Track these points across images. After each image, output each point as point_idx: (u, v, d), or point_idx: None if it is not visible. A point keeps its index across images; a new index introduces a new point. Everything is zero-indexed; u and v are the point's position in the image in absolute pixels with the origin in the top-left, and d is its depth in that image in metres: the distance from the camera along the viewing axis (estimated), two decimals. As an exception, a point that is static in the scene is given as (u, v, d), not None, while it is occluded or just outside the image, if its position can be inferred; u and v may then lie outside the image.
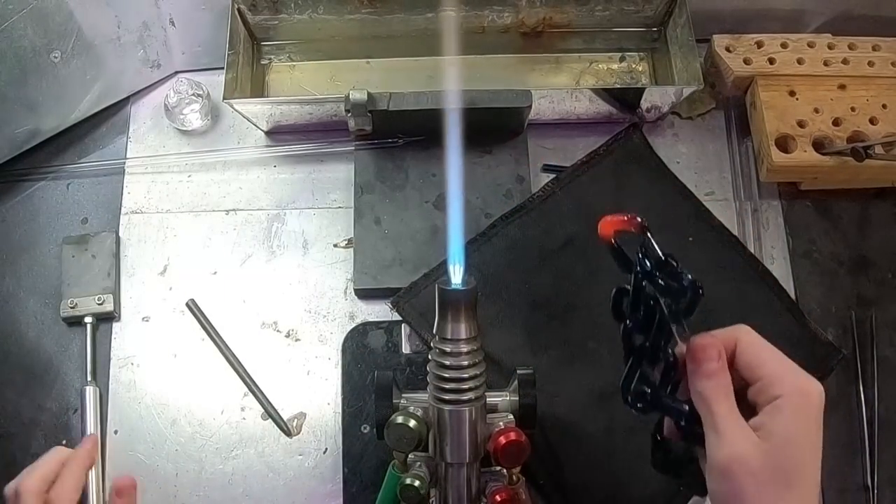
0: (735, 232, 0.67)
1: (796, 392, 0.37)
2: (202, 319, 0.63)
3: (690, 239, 0.65)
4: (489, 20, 0.71)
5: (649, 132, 0.71)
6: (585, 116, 0.69)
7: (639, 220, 0.37)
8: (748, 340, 0.37)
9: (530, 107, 0.63)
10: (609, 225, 0.38)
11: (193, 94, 0.68)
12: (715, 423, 0.35)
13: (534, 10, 0.70)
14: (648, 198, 0.67)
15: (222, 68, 0.64)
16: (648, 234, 0.37)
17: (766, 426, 0.35)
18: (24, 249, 0.67)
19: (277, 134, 0.70)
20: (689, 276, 0.35)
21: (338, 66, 0.73)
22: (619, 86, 0.71)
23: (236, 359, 0.62)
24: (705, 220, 0.66)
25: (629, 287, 0.38)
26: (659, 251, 0.36)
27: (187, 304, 0.64)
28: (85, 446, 0.54)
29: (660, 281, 0.36)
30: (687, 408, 0.36)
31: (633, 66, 0.74)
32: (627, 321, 0.38)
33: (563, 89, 0.67)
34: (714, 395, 0.35)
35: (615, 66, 0.74)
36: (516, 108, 0.63)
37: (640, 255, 0.36)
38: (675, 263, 0.36)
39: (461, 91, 0.62)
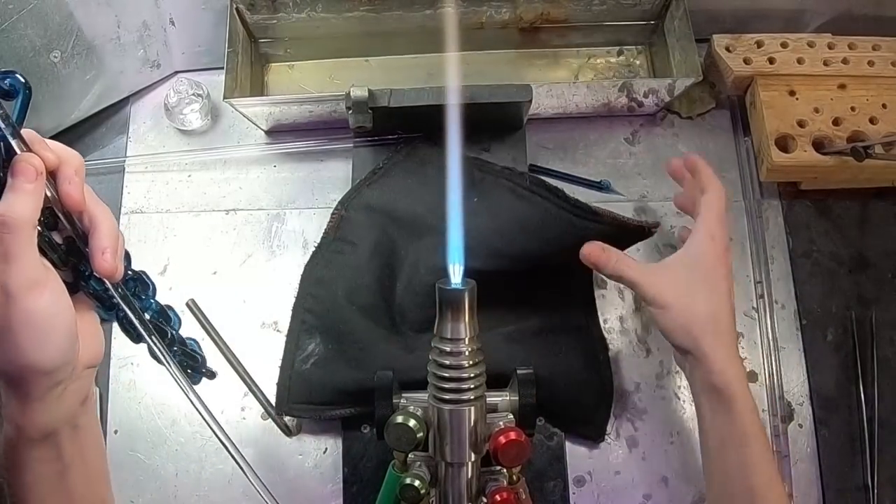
0: (736, 231, 0.67)
1: (707, 234, 0.53)
2: (202, 320, 0.63)
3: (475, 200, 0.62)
4: (487, 16, 0.71)
5: (649, 130, 0.71)
6: (584, 111, 0.70)
7: None
8: (712, 193, 0.55)
9: (530, 102, 0.62)
10: None
11: (193, 94, 0.68)
12: (633, 281, 0.54)
13: (531, 6, 0.70)
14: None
15: (222, 68, 0.64)
16: None
17: (685, 248, 0.54)
18: (24, 249, 0.67)
19: (277, 133, 0.70)
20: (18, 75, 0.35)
21: (337, 64, 0.73)
22: (618, 79, 0.71)
23: (236, 359, 0.62)
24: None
25: None
26: None
27: (187, 304, 0.64)
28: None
29: None
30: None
31: (632, 59, 0.74)
32: None
33: (563, 83, 0.67)
34: (622, 269, 0.54)
35: (613, 61, 0.74)
36: (516, 104, 0.63)
37: None
38: None
39: (461, 87, 0.62)
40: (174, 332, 0.44)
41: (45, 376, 0.35)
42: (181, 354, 0.44)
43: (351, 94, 0.61)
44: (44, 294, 0.34)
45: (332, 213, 0.64)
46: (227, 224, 0.68)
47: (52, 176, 0.36)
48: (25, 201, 0.33)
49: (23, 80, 0.35)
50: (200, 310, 0.63)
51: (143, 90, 0.72)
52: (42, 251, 0.35)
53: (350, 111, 0.63)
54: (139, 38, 0.67)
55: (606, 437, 0.61)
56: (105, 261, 0.36)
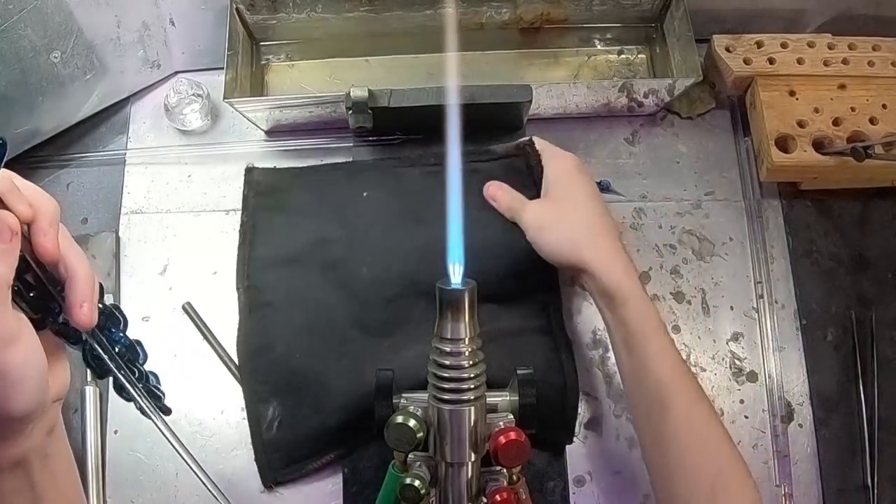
0: (736, 231, 0.67)
1: (554, 159, 0.60)
2: (198, 322, 0.63)
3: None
4: (487, 16, 0.71)
5: (649, 130, 0.71)
6: (584, 111, 0.70)
7: None
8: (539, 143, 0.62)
9: (530, 102, 0.63)
10: None
11: (193, 94, 0.68)
12: (518, 213, 0.58)
13: (531, 6, 0.70)
14: None
15: (222, 68, 0.64)
16: None
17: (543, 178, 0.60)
18: (24, 249, 0.67)
19: (277, 133, 0.70)
20: None
21: (337, 64, 0.73)
22: (618, 79, 0.71)
23: (232, 361, 0.62)
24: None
25: None
26: None
27: (183, 307, 0.64)
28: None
29: None
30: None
31: (632, 59, 0.74)
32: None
33: (563, 83, 0.67)
34: (514, 205, 0.59)
35: (613, 61, 0.74)
36: (516, 104, 0.63)
37: None
38: None
39: (461, 87, 0.62)
40: (139, 368, 0.43)
41: (16, 422, 0.35)
42: (144, 391, 0.43)
43: (351, 94, 0.61)
44: (18, 348, 0.33)
45: (237, 291, 0.64)
46: (227, 224, 0.68)
47: (26, 225, 0.35)
48: (0, 262, 0.33)
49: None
50: (197, 313, 0.64)
51: (143, 90, 0.72)
52: (14, 301, 0.35)
53: (350, 111, 0.63)
54: (139, 38, 0.67)
55: (605, 437, 0.61)
56: (83, 314, 0.36)
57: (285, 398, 0.60)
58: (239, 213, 0.67)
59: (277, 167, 0.68)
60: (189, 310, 0.64)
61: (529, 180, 0.63)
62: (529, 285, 0.62)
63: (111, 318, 0.42)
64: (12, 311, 0.34)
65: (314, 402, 0.59)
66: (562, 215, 0.56)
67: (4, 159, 0.33)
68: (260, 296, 0.63)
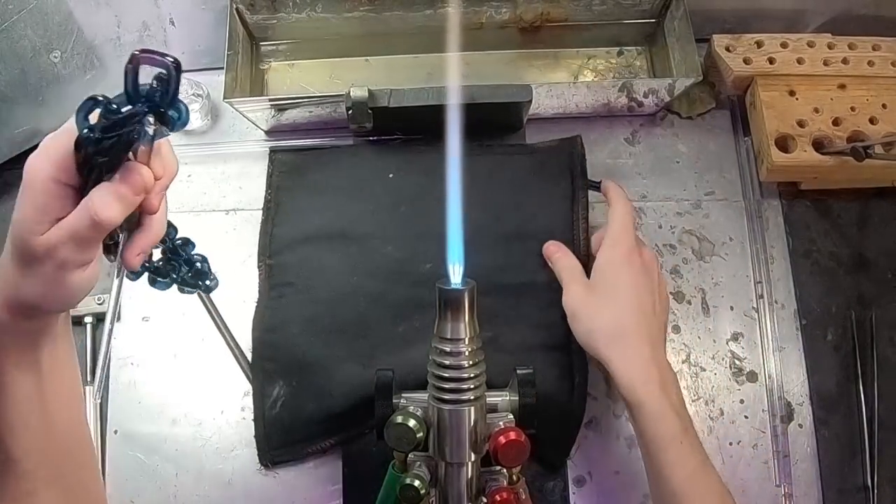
0: (736, 231, 0.67)
1: (610, 240, 0.56)
2: (212, 311, 0.63)
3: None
4: (487, 16, 0.71)
5: (649, 130, 0.71)
6: (584, 111, 0.70)
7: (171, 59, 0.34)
8: (613, 193, 0.60)
9: (530, 102, 0.63)
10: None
11: (193, 94, 0.68)
12: (559, 266, 0.59)
13: (531, 6, 0.70)
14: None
15: (222, 68, 0.64)
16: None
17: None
18: (24, 249, 0.67)
19: (277, 133, 0.70)
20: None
21: (337, 64, 0.73)
22: (618, 79, 0.71)
23: (242, 353, 0.62)
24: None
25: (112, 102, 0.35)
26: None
27: (198, 294, 0.64)
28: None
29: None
30: None
31: (632, 60, 0.74)
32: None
33: (563, 83, 0.67)
34: (560, 269, 0.58)
35: (613, 61, 0.74)
36: (516, 104, 0.63)
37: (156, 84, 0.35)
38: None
39: (462, 87, 0.62)
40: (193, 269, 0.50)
41: (55, 314, 0.41)
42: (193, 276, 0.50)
43: (351, 94, 0.61)
44: (90, 270, 0.39)
45: (258, 268, 0.64)
46: (228, 224, 0.68)
47: None
48: (121, 210, 0.36)
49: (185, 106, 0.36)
50: (211, 300, 0.63)
51: (143, 90, 0.72)
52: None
53: (350, 111, 0.63)
54: (139, 38, 0.67)
55: (605, 437, 0.61)
56: (135, 260, 0.41)
57: (292, 378, 0.60)
58: (238, 213, 0.67)
59: (301, 148, 0.68)
60: (203, 297, 0.63)
61: (567, 171, 0.65)
62: (551, 298, 0.61)
63: (188, 244, 0.49)
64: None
65: (320, 386, 0.59)
66: (595, 310, 0.54)
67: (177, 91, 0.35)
68: (280, 274, 0.63)
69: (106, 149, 0.35)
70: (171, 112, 0.36)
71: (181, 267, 0.49)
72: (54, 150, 0.36)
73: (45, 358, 0.41)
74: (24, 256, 0.37)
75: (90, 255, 0.38)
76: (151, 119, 0.35)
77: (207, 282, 0.51)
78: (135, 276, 0.46)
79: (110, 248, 0.41)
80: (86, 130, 0.35)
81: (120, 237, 0.40)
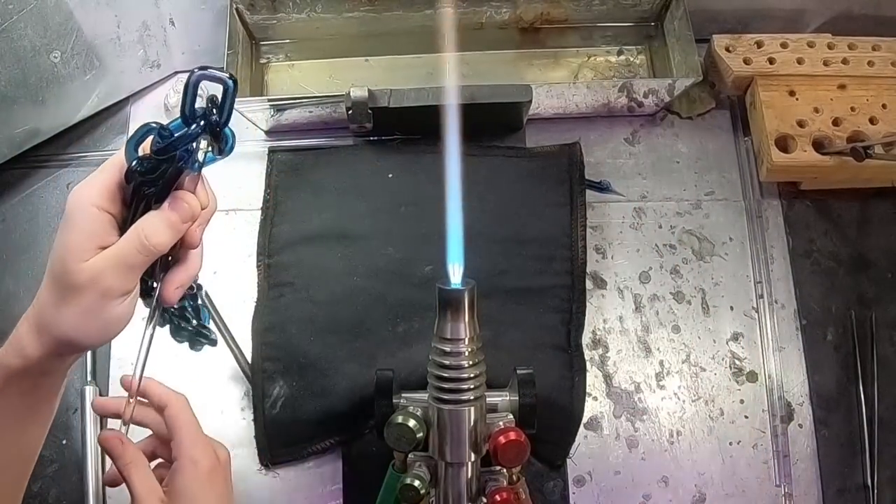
0: (736, 231, 0.67)
1: (187, 459, 0.43)
2: (212, 311, 0.63)
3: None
4: (487, 16, 0.71)
5: (649, 130, 0.71)
6: (584, 111, 0.70)
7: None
8: (173, 407, 0.45)
9: (530, 102, 0.63)
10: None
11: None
12: (132, 490, 0.41)
13: (531, 6, 0.70)
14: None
15: (222, 68, 0.64)
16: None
17: (170, 485, 0.42)
18: (24, 249, 0.67)
19: (277, 133, 0.70)
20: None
21: (337, 64, 0.73)
22: (618, 79, 0.71)
23: (242, 354, 0.62)
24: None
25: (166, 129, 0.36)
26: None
27: (198, 294, 0.64)
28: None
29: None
30: None
31: (632, 59, 0.74)
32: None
33: (563, 83, 0.67)
34: (129, 472, 0.42)
35: (613, 61, 0.74)
36: (516, 104, 0.63)
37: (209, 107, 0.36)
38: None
39: (461, 87, 0.62)
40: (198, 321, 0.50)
41: (82, 349, 0.40)
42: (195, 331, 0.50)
43: (351, 94, 0.61)
44: (130, 302, 0.38)
45: (257, 268, 0.65)
46: (227, 224, 0.68)
47: None
48: (170, 237, 0.38)
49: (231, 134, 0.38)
50: (212, 301, 0.63)
51: (143, 90, 0.72)
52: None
53: (350, 111, 0.63)
54: (139, 38, 0.67)
55: (605, 437, 0.61)
56: (173, 295, 0.41)
57: (292, 378, 0.60)
58: (238, 213, 0.67)
59: (301, 148, 0.68)
60: (204, 298, 0.63)
61: (566, 178, 0.65)
62: (554, 298, 0.62)
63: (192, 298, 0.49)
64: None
65: (320, 386, 0.59)
66: None
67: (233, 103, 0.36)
68: (280, 274, 0.64)
69: (154, 179, 0.36)
70: (226, 130, 0.36)
71: (192, 318, 0.49)
72: (101, 180, 0.37)
73: (45, 409, 0.42)
74: (65, 286, 0.36)
75: (131, 284, 0.38)
76: (203, 143, 0.36)
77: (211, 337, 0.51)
78: (162, 321, 0.46)
79: (147, 290, 0.41)
80: (135, 162, 0.36)
81: (158, 277, 0.41)
